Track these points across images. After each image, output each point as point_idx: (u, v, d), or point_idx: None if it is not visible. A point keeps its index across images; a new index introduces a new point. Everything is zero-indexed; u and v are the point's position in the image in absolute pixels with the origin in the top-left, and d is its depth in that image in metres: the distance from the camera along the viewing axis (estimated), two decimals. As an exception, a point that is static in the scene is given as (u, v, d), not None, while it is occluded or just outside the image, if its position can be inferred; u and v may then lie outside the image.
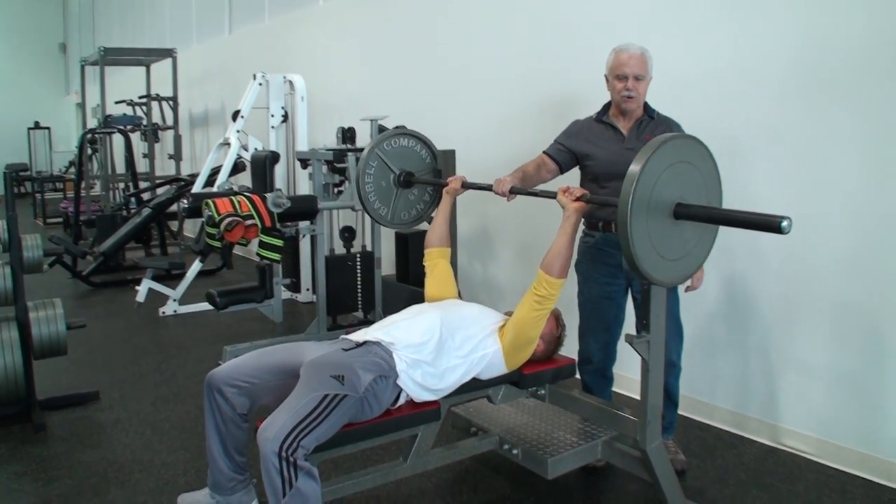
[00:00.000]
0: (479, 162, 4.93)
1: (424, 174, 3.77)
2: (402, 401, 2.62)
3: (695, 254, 2.47)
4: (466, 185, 3.40)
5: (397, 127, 4.40)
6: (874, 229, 3.15)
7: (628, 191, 2.19)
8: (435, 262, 3.26)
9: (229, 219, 4.04)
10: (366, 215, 5.25)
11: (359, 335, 2.73)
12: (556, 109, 4.39)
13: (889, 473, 3.16)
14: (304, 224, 4.88)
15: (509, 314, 2.93)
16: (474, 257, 5.35)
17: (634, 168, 2.21)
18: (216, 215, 4.05)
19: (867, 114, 3.12)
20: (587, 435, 3.01)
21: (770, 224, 2.11)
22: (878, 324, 3.19)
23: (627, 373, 3.85)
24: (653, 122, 3.13)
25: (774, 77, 3.43)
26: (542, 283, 2.73)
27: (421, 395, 2.64)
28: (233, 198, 4.19)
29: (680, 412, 3.49)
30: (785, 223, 2.04)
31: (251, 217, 4.15)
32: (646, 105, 3.16)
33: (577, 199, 2.77)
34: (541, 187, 3.18)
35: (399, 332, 2.68)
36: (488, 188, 3.21)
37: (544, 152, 3.33)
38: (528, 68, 4.74)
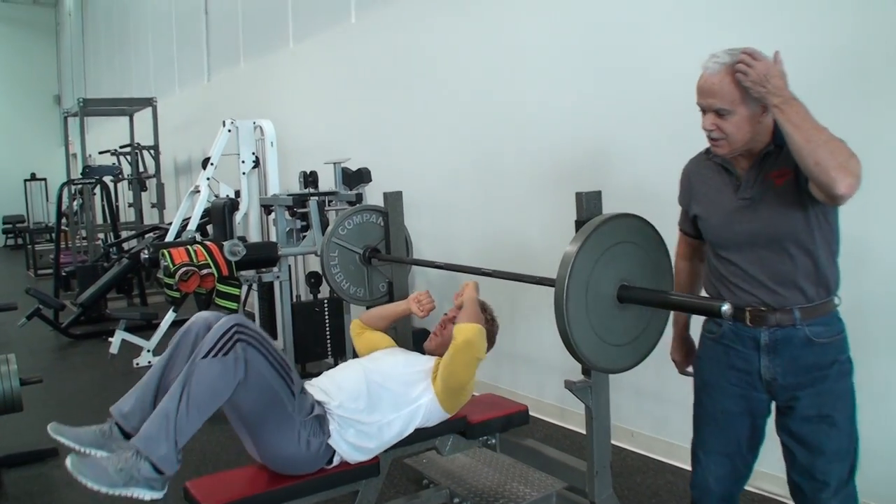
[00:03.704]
0: (435, 205, 4.87)
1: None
2: (335, 462, 2.50)
3: (646, 335, 2.30)
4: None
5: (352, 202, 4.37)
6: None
7: (563, 274, 2.06)
8: (362, 330, 3.08)
9: (184, 269, 3.97)
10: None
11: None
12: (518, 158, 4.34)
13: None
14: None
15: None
16: (444, 300, 5.24)
17: (571, 249, 2.08)
18: (171, 265, 3.98)
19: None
20: (541, 486, 2.89)
21: (711, 309, 2.02)
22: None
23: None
24: (783, 153, 2.02)
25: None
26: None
27: (354, 457, 2.51)
28: (189, 247, 4.12)
29: (653, 456, 3.34)
30: (725, 307, 1.93)
31: (207, 266, 4.08)
32: (775, 130, 2.03)
33: None
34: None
35: (331, 390, 2.56)
36: None
37: (680, 229, 2.44)
38: (490, 114, 4.69)
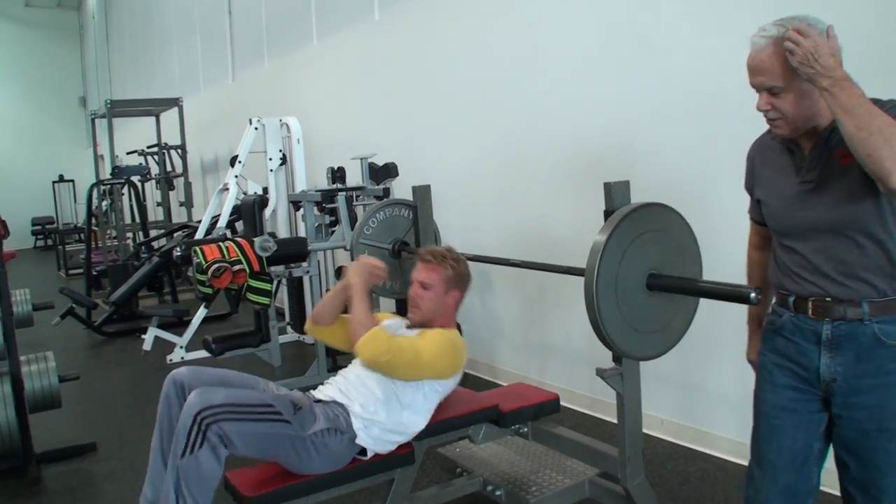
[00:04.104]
0: (462, 196, 4.90)
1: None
2: (370, 455, 2.55)
3: (676, 321, 2.35)
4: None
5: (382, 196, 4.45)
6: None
7: (593, 263, 2.10)
8: (323, 330, 2.86)
9: (216, 265, 4.05)
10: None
11: (321, 393, 2.66)
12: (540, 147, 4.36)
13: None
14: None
15: None
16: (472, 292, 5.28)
17: (600, 238, 2.13)
18: (204, 262, 4.06)
19: None
20: (574, 473, 2.92)
21: (740, 295, 2.09)
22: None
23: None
24: None
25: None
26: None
27: (385, 448, 2.56)
28: (221, 244, 4.20)
29: (683, 444, 3.35)
30: (753, 294, 2.03)
31: (239, 262, 4.15)
32: None
33: None
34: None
35: (349, 392, 2.60)
36: None
37: (750, 217, 2.20)
38: (515, 105, 4.71)
